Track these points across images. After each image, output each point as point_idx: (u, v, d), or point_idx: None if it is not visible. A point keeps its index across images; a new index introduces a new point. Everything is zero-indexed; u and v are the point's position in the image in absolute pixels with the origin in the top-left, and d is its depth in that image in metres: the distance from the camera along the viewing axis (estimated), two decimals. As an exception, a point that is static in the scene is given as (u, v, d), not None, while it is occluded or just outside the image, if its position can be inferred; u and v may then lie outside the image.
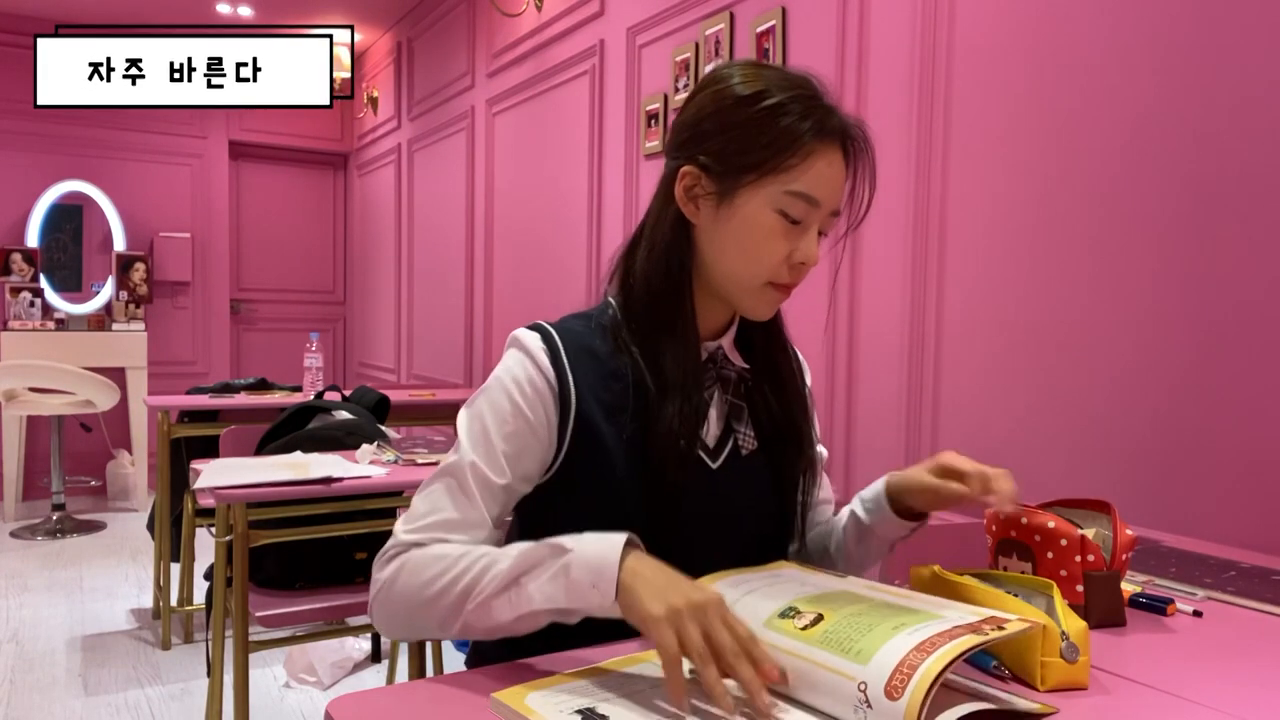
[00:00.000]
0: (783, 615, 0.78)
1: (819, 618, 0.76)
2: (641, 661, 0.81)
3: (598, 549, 0.79)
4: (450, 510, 0.92)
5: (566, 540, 0.81)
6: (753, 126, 0.93)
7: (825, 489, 1.16)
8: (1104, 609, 0.95)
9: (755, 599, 0.82)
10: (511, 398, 0.95)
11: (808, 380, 1.14)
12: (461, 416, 0.97)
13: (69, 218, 5.19)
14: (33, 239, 5.04)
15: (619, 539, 0.80)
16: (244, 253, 5.79)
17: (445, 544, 0.90)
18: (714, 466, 1.01)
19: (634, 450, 0.95)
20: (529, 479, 0.97)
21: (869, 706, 0.65)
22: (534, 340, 0.98)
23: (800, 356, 1.14)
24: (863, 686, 0.66)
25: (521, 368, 0.96)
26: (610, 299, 1.05)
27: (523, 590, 0.81)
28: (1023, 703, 0.72)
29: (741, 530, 1.03)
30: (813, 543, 1.14)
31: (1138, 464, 1.56)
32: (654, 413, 0.95)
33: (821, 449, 1.14)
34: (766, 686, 0.72)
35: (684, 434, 0.95)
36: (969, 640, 0.68)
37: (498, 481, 0.94)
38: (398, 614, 0.89)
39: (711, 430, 1.02)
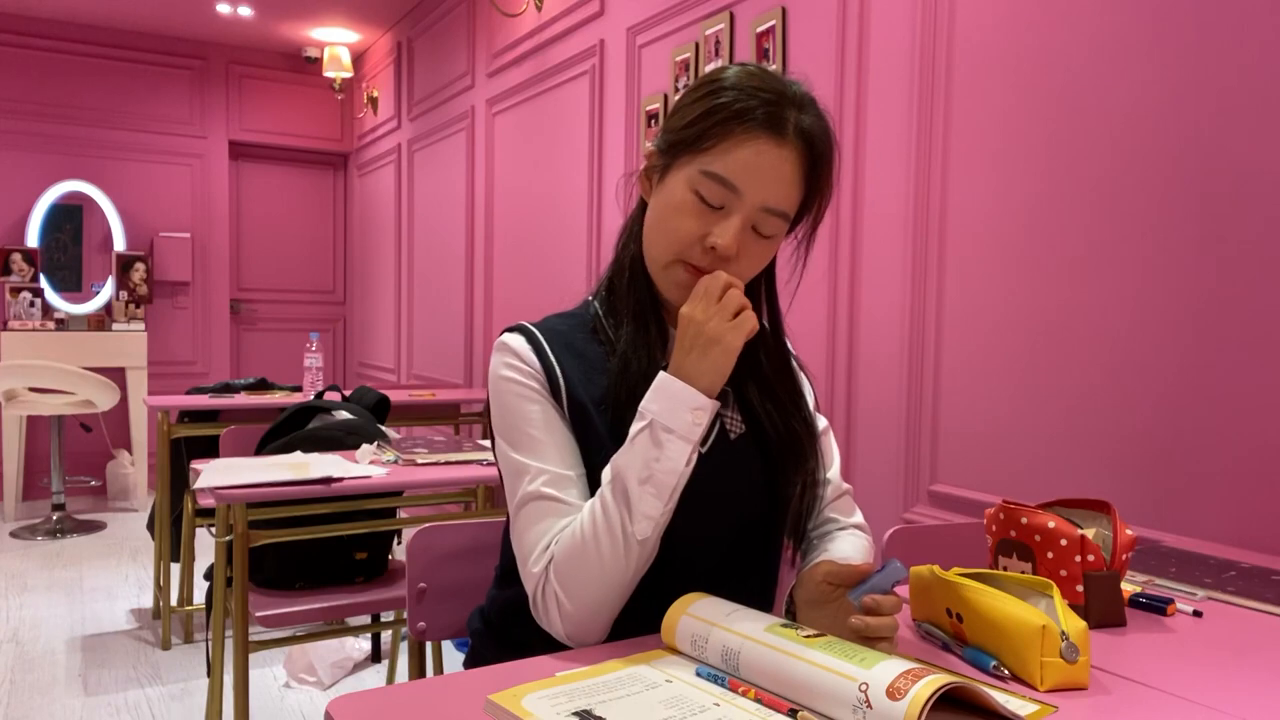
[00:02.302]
0: (784, 625, 0.78)
1: (823, 634, 0.77)
2: (639, 663, 0.81)
3: (659, 399, 0.89)
4: (554, 527, 0.93)
5: (636, 424, 0.89)
6: (689, 109, 0.96)
7: (833, 468, 1.13)
8: (1104, 609, 0.95)
9: (749, 613, 0.82)
10: (523, 395, 0.98)
11: (791, 350, 1.13)
12: (501, 449, 0.99)
13: (69, 218, 5.18)
14: (33, 239, 5.04)
15: (657, 379, 0.90)
16: (244, 253, 5.79)
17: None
18: (703, 450, 1.00)
19: (616, 432, 0.96)
20: (566, 427, 0.99)
21: (869, 706, 0.65)
22: (518, 341, 1.00)
23: (786, 340, 1.13)
24: (864, 687, 0.66)
25: (511, 370, 0.98)
26: (592, 297, 1.07)
27: (655, 478, 0.87)
28: (1021, 706, 0.72)
29: (733, 513, 1.03)
30: (809, 548, 1.11)
31: (1137, 464, 1.56)
32: (613, 377, 0.97)
33: (821, 419, 1.13)
34: (766, 690, 0.73)
35: (643, 385, 0.94)
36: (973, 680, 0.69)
37: (572, 474, 0.96)
38: (585, 601, 0.90)
39: None
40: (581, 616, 0.90)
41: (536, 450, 0.96)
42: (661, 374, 0.90)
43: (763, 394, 1.04)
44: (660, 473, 0.87)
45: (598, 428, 0.97)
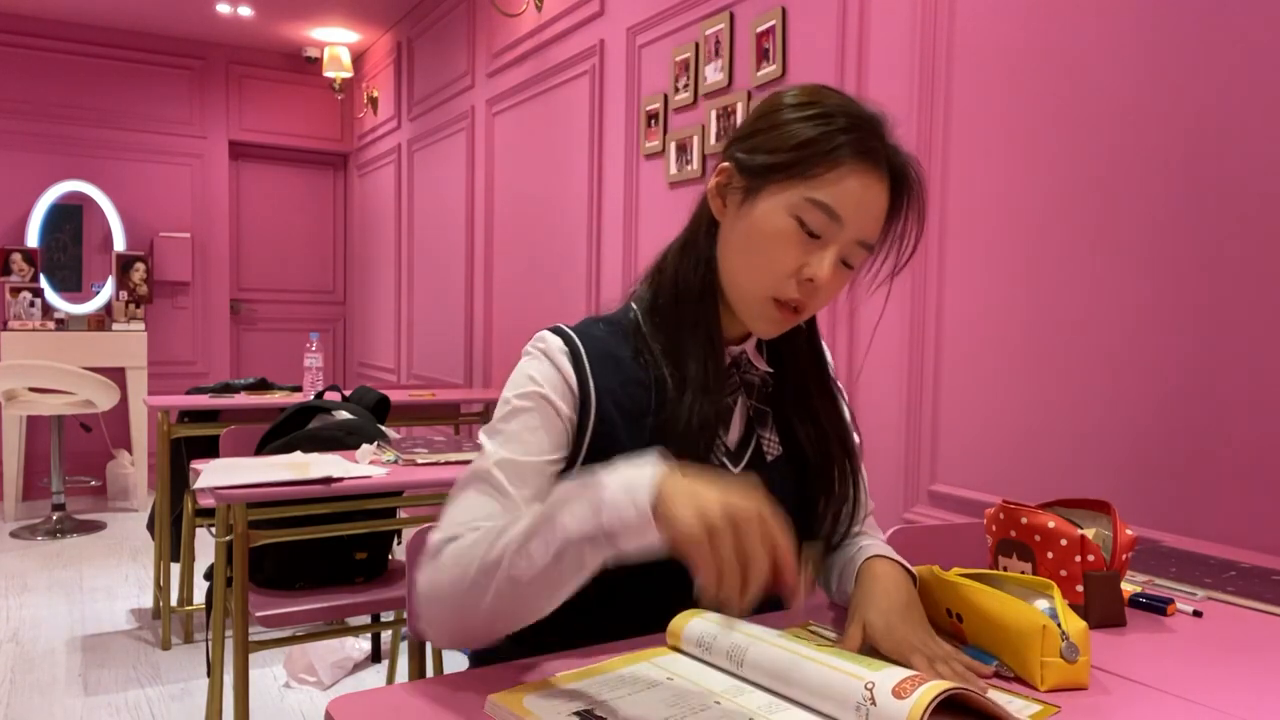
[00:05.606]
0: (798, 633, 0.79)
1: (834, 644, 0.77)
2: (641, 661, 0.81)
3: (630, 468, 0.75)
4: (484, 509, 0.89)
5: (598, 469, 0.78)
6: (792, 129, 0.92)
7: (862, 507, 1.07)
8: (1104, 609, 0.95)
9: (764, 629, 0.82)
10: (534, 380, 0.94)
11: (829, 362, 1.10)
12: (484, 428, 0.97)
13: (69, 218, 5.18)
14: (33, 239, 5.04)
15: (652, 456, 0.76)
16: (244, 253, 5.79)
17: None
18: (734, 470, 0.99)
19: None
20: (559, 448, 0.94)
21: (873, 704, 0.65)
22: (555, 342, 0.97)
23: (823, 346, 1.12)
24: (870, 685, 0.66)
25: (540, 369, 0.95)
26: (633, 303, 1.04)
27: (555, 523, 0.75)
28: (1024, 706, 0.72)
29: None
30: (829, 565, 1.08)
31: (1138, 464, 1.56)
32: (672, 411, 0.93)
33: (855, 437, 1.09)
34: (761, 685, 0.72)
35: (703, 436, 0.93)
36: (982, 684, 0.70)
37: (525, 459, 0.92)
38: (444, 608, 0.84)
39: (733, 434, 1.00)
40: (436, 628, 0.87)
41: (506, 435, 0.93)
42: (657, 465, 0.75)
43: (804, 417, 1.02)
44: (559, 531, 0.75)
45: (624, 443, 0.93)
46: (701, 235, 0.99)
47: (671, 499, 0.71)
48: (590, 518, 0.73)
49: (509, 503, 0.90)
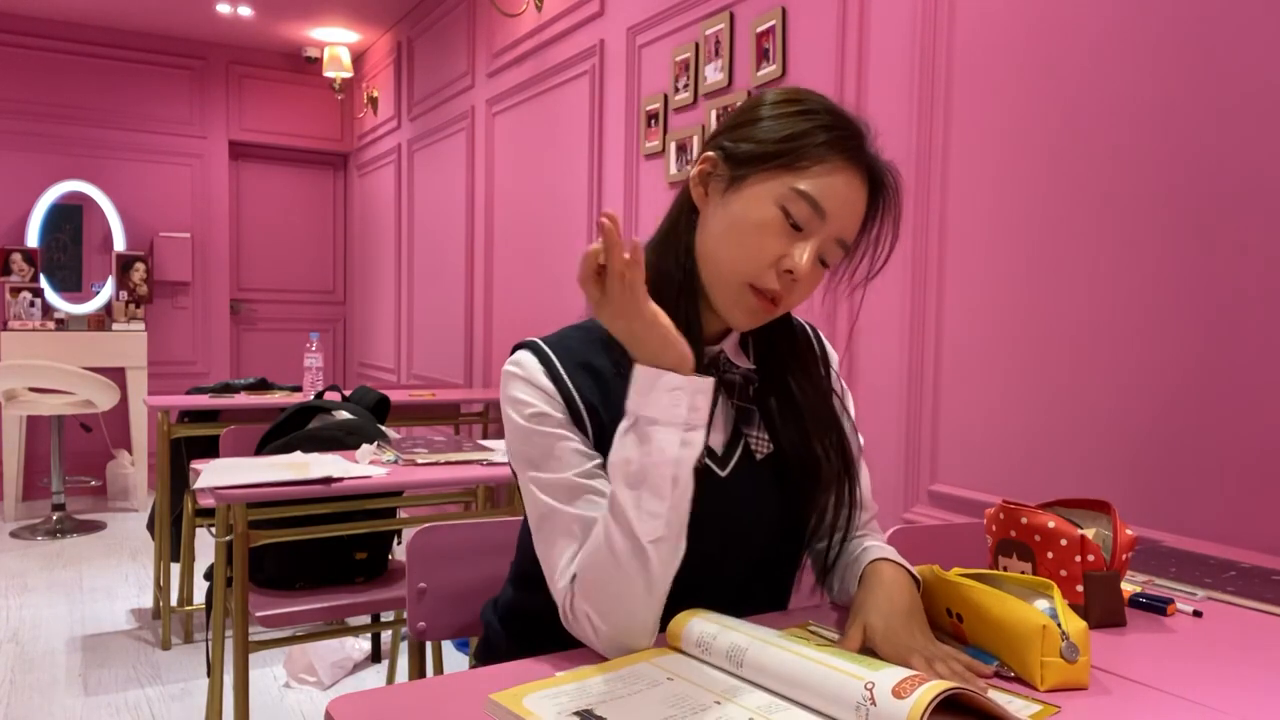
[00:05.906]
0: (797, 634, 0.79)
1: (833, 644, 0.77)
2: (641, 661, 0.81)
3: (636, 392, 0.85)
4: (578, 537, 0.89)
5: (624, 423, 0.86)
6: (780, 122, 0.93)
7: (862, 509, 1.06)
8: (1104, 609, 0.95)
9: (762, 628, 0.82)
10: (527, 401, 0.93)
11: (833, 363, 1.10)
12: (519, 473, 0.95)
13: (69, 218, 5.18)
14: (33, 239, 5.04)
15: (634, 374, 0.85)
16: (244, 253, 5.79)
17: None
18: (723, 474, 0.98)
19: None
20: (591, 452, 0.93)
21: (873, 704, 0.65)
22: (529, 360, 0.95)
23: (827, 345, 1.11)
24: (870, 685, 0.66)
25: (527, 391, 0.94)
26: None
27: (649, 473, 0.83)
28: (1024, 706, 0.72)
29: (753, 535, 1.00)
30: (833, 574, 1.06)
31: (1138, 464, 1.56)
32: None
33: (858, 438, 1.09)
34: (761, 685, 0.73)
35: None
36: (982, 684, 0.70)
37: (588, 482, 0.91)
38: (617, 617, 0.84)
39: (718, 436, 0.99)
40: (616, 632, 0.85)
41: (549, 464, 0.91)
42: (637, 367, 0.85)
43: (788, 415, 1.01)
44: (653, 466, 0.82)
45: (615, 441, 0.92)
46: (681, 224, 0.99)
47: (640, 346, 0.85)
48: (676, 433, 0.83)
49: (584, 519, 0.89)
